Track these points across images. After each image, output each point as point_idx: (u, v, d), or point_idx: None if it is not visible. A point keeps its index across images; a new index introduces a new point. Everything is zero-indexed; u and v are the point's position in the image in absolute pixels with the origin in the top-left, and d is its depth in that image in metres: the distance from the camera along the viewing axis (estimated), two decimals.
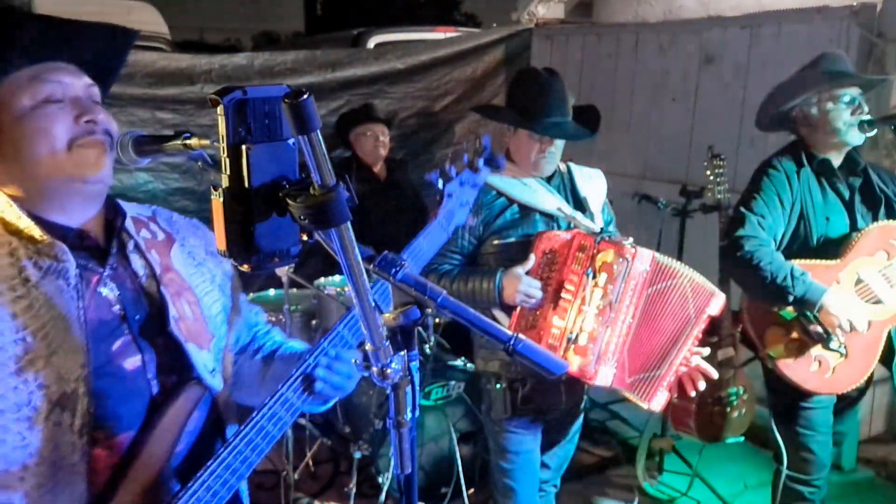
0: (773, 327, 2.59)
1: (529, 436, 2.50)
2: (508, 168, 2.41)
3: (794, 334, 2.57)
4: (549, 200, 2.41)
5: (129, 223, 1.35)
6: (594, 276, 2.21)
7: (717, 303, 2.32)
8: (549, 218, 2.41)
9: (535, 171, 2.44)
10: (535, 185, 2.43)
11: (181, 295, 1.36)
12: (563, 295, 2.23)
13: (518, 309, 2.29)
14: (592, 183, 2.55)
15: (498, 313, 2.36)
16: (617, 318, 2.22)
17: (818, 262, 2.57)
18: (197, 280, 1.42)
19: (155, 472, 1.25)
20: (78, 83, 1.25)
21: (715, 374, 2.33)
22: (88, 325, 1.21)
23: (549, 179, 2.48)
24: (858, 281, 2.59)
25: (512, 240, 2.36)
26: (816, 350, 2.56)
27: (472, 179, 1.92)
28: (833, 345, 2.52)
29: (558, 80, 2.48)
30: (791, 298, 2.49)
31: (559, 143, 2.44)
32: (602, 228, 2.43)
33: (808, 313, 2.51)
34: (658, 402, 2.30)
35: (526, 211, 2.40)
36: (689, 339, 2.29)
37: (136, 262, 1.33)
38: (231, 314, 1.50)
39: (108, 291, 1.28)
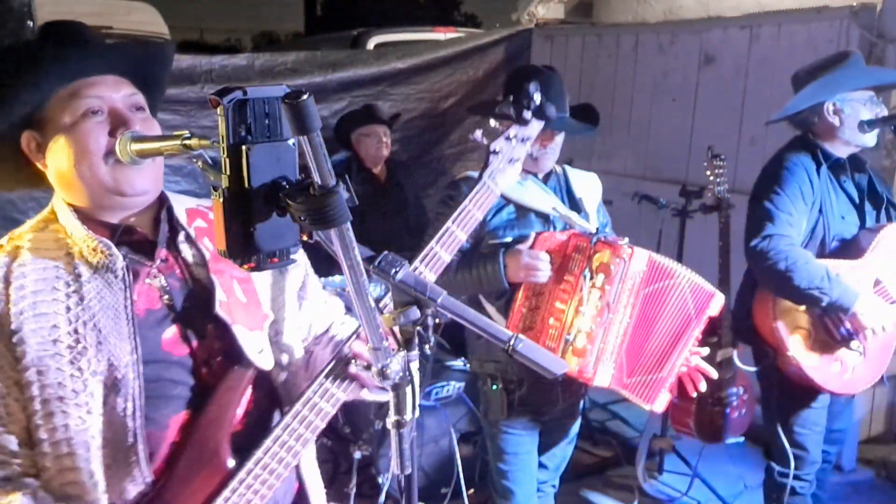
0: (798, 328, 2.56)
1: (527, 437, 2.50)
2: None
3: (819, 335, 2.56)
4: (544, 200, 2.41)
5: (180, 214, 1.39)
6: (591, 277, 2.20)
7: (716, 303, 2.32)
8: (545, 219, 2.41)
9: (534, 168, 2.44)
10: (531, 185, 2.43)
11: (234, 278, 1.39)
12: (560, 295, 2.23)
13: (516, 309, 2.28)
14: (588, 185, 2.55)
15: (494, 314, 2.36)
16: (614, 319, 2.22)
17: (840, 262, 2.54)
18: None
19: (210, 452, 1.29)
20: (117, 94, 1.28)
21: (715, 375, 2.33)
22: (137, 315, 1.28)
23: (545, 180, 2.48)
24: (877, 282, 2.58)
25: (508, 239, 2.35)
26: (838, 351, 2.56)
27: (521, 133, 1.79)
28: (853, 345, 2.53)
29: (556, 75, 2.48)
30: (825, 301, 2.44)
31: (558, 139, 2.44)
32: (598, 229, 2.43)
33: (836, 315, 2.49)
34: (660, 403, 2.30)
35: (522, 211, 2.40)
36: (690, 340, 2.29)
37: (187, 252, 1.38)
38: (297, 298, 1.52)
39: (157, 283, 1.33)
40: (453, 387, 3.29)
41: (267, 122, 0.93)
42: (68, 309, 1.24)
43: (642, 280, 2.25)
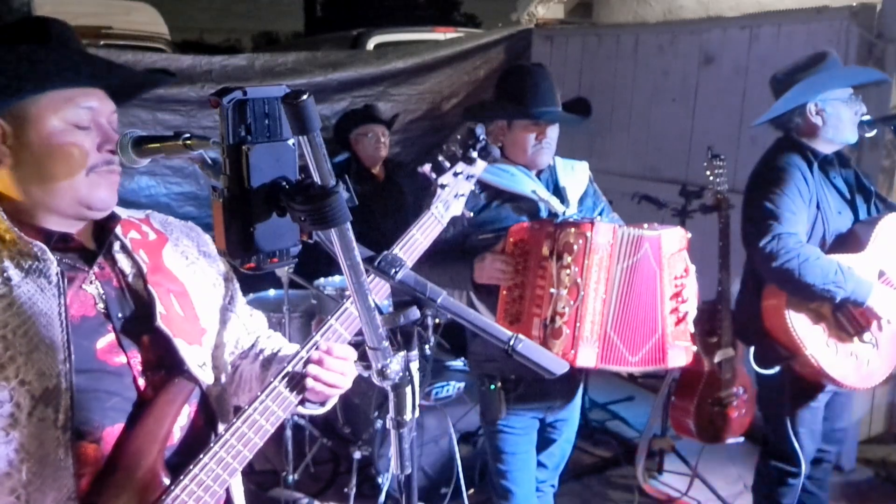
0: (811, 326, 2.55)
1: (525, 436, 2.50)
2: (496, 161, 2.45)
3: (832, 330, 2.55)
4: (526, 184, 2.42)
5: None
6: (559, 258, 2.20)
7: (668, 241, 2.28)
8: (533, 211, 2.41)
9: (532, 165, 2.45)
10: (514, 171, 2.44)
11: (171, 292, 1.38)
12: (538, 282, 2.24)
13: (500, 302, 2.30)
14: (574, 174, 2.55)
15: (483, 310, 2.37)
16: (587, 296, 2.20)
17: (846, 256, 2.54)
18: (189, 278, 1.44)
19: (145, 467, 1.25)
20: (105, 109, 1.29)
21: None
22: (70, 322, 1.23)
23: (538, 175, 2.49)
24: (881, 273, 2.58)
25: (499, 233, 2.36)
26: (852, 345, 2.56)
27: (466, 170, 1.91)
28: (867, 338, 2.53)
29: (546, 71, 2.51)
30: (840, 295, 2.44)
31: (553, 134, 2.45)
32: (564, 213, 2.41)
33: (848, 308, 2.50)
34: (677, 358, 2.30)
35: (511, 202, 2.41)
36: (664, 288, 2.27)
37: (123, 262, 1.35)
38: (225, 313, 1.51)
39: (93, 290, 1.30)
40: (453, 387, 3.29)
41: (267, 122, 0.93)
42: None
43: (612, 254, 2.23)
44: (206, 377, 1.37)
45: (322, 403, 1.44)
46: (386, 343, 1.12)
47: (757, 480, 2.95)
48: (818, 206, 2.59)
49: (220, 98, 0.91)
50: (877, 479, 3.74)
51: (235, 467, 1.29)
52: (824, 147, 2.65)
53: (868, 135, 2.70)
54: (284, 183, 0.93)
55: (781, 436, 2.72)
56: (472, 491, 3.26)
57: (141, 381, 1.30)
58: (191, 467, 1.27)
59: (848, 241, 2.60)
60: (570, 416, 2.61)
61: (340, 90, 4.56)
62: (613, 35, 4.97)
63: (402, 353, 1.15)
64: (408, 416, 1.16)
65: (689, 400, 3.14)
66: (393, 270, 1.19)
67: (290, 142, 0.95)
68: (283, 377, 1.35)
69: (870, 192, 2.71)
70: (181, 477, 1.26)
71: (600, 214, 2.53)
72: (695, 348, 2.38)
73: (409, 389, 1.16)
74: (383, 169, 4.13)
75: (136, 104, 3.92)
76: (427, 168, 2.11)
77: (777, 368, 2.68)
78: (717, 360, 3.10)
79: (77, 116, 1.24)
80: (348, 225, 0.93)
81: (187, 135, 1.06)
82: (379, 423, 3.15)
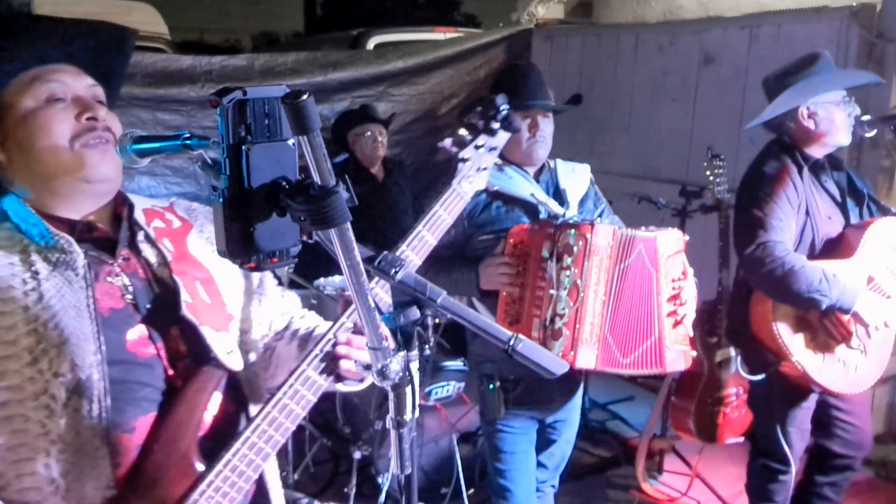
0: (797, 332, 2.55)
1: (524, 436, 2.50)
2: (500, 162, 2.44)
3: (819, 337, 2.55)
4: (524, 187, 2.42)
5: (138, 214, 1.37)
6: (559, 260, 2.20)
7: (663, 244, 2.27)
8: (532, 213, 2.41)
9: (529, 161, 2.46)
10: (512, 173, 2.44)
11: (197, 279, 1.37)
12: (538, 283, 2.24)
13: (500, 303, 2.29)
14: (575, 176, 2.55)
15: (483, 311, 2.37)
16: (587, 298, 2.19)
17: (833, 262, 2.54)
18: (215, 264, 1.43)
19: (179, 455, 1.26)
20: (80, 83, 1.28)
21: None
22: (100, 315, 1.24)
23: (536, 176, 2.49)
24: (870, 279, 2.58)
25: (498, 234, 2.36)
26: (840, 350, 2.56)
27: (489, 142, 1.84)
28: (854, 344, 2.52)
29: (537, 69, 2.53)
30: (826, 303, 2.43)
31: (547, 128, 2.45)
32: (563, 214, 2.40)
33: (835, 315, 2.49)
34: (675, 362, 2.28)
35: (510, 206, 2.41)
36: (660, 290, 2.26)
37: (147, 252, 1.35)
38: (255, 295, 1.51)
39: (118, 281, 1.30)
40: (453, 387, 3.28)
41: (267, 122, 0.93)
42: (26, 308, 1.20)
43: (612, 255, 2.22)
44: (235, 364, 1.36)
45: (361, 380, 1.43)
46: (386, 343, 1.12)
47: (749, 478, 2.95)
48: (807, 212, 2.59)
49: (220, 98, 0.91)
50: (877, 479, 3.74)
51: (268, 452, 1.30)
52: (817, 151, 2.64)
53: (868, 135, 2.70)
54: (284, 183, 0.93)
55: (770, 435, 2.74)
56: (472, 491, 3.26)
57: (171, 371, 1.30)
58: (224, 453, 1.27)
59: (838, 247, 2.60)
60: (569, 417, 2.61)
61: (340, 90, 4.56)
62: (613, 35, 4.97)
63: (402, 353, 1.15)
64: (408, 416, 1.16)
65: (689, 400, 3.14)
66: (393, 270, 1.19)
67: (290, 142, 0.94)
68: (312, 360, 1.35)
69: (862, 195, 2.70)
70: (215, 463, 1.27)
71: (600, 216, 2.52)
72: (694, 353, 2.36)
73: (408, 389, 1.16)
74: (382, 169, 4.13)
75: (136, 104, 3.93)
76: (448, 142, 2.09)
77: (762, 376, 2.69)
78: (717, 360, 3.10)
79: (48, 90, 1.23)
80: (348, 225, 0.92)
81: (187, 134, 1.06)
82: (379, 423, 3.15)
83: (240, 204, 0.92)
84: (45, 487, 1.18)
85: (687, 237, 2.38)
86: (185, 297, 1.32)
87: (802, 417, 2.72)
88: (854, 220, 2.66)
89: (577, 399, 2.61)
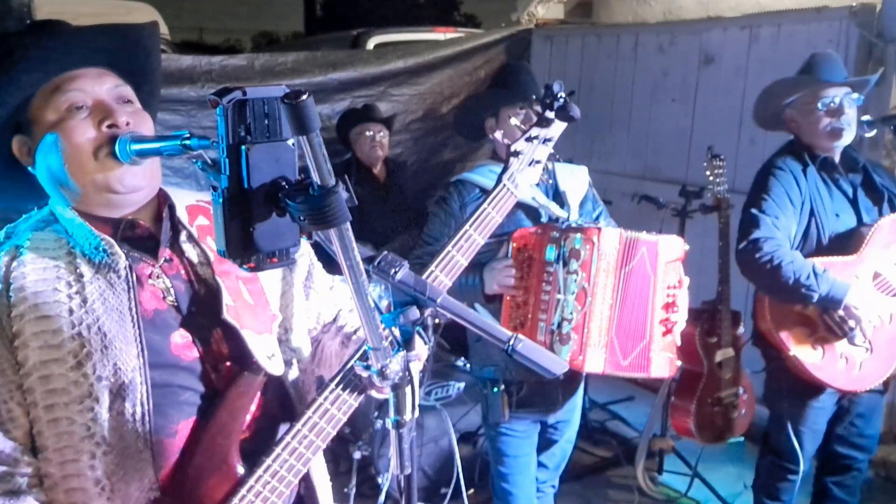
0: (797, 327, 2.57)
1: (526, 438, 2.51)
2: (490, 163, 2.46)
3: (818, 332, 2.56)
4: (525, 190, 2.41)
5: (181, 212, 1.35)
6: (565, 264, 2.19)
7: (663, 248, 2.27)
8: (534, 216, 2.40)
9: None
10: None
11: (240, 279, 1.36)
12: (543, 287, 2.23)
13: (504, 307, 2.29)
14: (574, 178, 2.55)
15: (485, 315, 2.36)
16: (595, 301, 2.19)
17: (835, 258, 2.55)
18: None
19: (219, 458, 1.27)
20: (101, 87, 1.25)
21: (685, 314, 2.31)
22: (143, 317, 1.24)
23: None
24: (877, 275, 2.58)
25: (500, 238, 2.34)
26: (842, 346, 2.56)
27: (543, 134, 1.74)
28: (858, 340, 2.52)
29: (524, 64, 2.55)
30: (815, 297, 2.46)
31: None
32: (567, 218, 2.40)
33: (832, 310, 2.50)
34: (660, 368, 2.28)
35: (512, 208, 2.40)
36: (656, 294, 2.26)
37: (190, 252, 1.34)
38: (304, 289, 1.49)
39: (161, 283, 1.29)
40: (453, 387, 3.28)
41: (266, 122, 0.93)
42: (71, 311, 1.20)
43: (618, 259, 2.23)
44: (276, 368, 1.34)
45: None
46: (386, 343, 1.12)
47: (757, 475, 2.95)
48: (812, 210, 2.60)
49: (220, 98, 0.91)
50: (877, 479, 3.74)
51: (310, 457, 1.31)
52: (822, 149, 2.65)
53: (868, 135, 2.70)
54: (284, 183, 0.93)
55: (781, 433, 2.74)
56: (471, 491, 3.26)
57: (212, 375, 1.30)
58: (265, 458, 1.28)
59: (847, 243, 2.60)
60: (570, 418, 2.61)
61: (341, 90, 4.56)
62: (613, 35, 4.97)
63: (402, 353, 1.15)
64: (408, 416, 1.16)
65: (689, 400, 3.14)
66: (392, 270, 1.19)
67: (290, 142, 0.94)
68: (353, 367, 1.33)
69: (882, 193, 2.69)
70: (256, 468, 1.27)
71: (597, 218, 2.53)
72: (679, 362, 2.36)
73: (408, 389, 1.16)
74: (384, 169, 4.13)
75: None
76: (499, 135, 2.02)
77: (761, 369, 2.73)
78: (717, 360, 3.10)
79: (68, 100, 1.21)
80: (348, 225, 0.92)
81: (187, 134, 1.06)
82: (379, 423, 3.14)
83: (239, 204, 0.92)
84: (92, 488, 1.20)
85: (688, 246, 2.37)
86: (226, 299, 1.31)
87: (815, 417, 2.71)
88: (869, 218, 2.65)
89: (578, 399, 2.61)
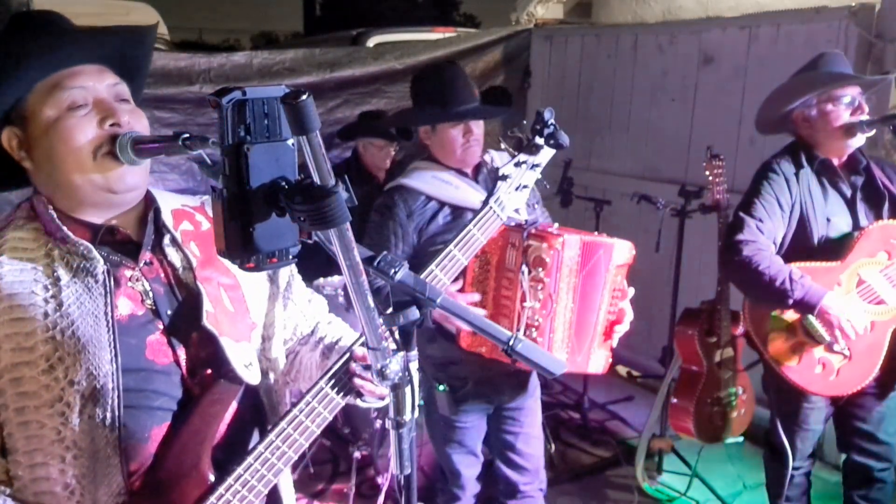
0: (776, 331, 2.58)
1: (473, 428, 2.55)
2: (432, 168, 2.42)
3: (797, 337, 2.56)
4: (470, 194, 2.38)
5: (166, 216, 1.34)
6: (530, 271, 2.16)
7: (617, 252, 2.22)
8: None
9: (464, 164, 2.43)
10: (457, 182, 2.40)
11: (222, 286, 1.35)
12: (503, 293, 2.19)
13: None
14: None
15: None
16: (558, 307, 2.17)
17: (819, 264, 2.55)
18: None
19: (191, 465, 1.26)
20: (100, 84, 1.24)
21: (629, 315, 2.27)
22: (118, 322, 1.23)
23: (474, 174, 2.46)
24: (860, 282, 2.58)
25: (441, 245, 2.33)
26: (820, 352, 2.56)
27: (531, 160, 1.78)
28: (836, 347, 2.51)
29: (458, 68, 2.50)
30: (790, 301, 2.47)
31: (479, 130, 2.42)
32: (527, 221, 2.30)
33: (809, 316, 2.50)
34: (596, 364, 2.23)
35: (458, 212, 2.37)
36: (605, 295, 2.22)
37: (173, 256, 1.33)
38: (282, 299, 1.49)
39: (140, 286, 1.28)
40: None
41: (266, 122, 0.93)
42: (46, 315, 1.19)
43: (579, 263, 2.20)
44: (252, 377, 1.34)
45: (382, 398, 1.40)
46: (385, 343, 1.12)
47: (765, 473, 2.97)
48: (802, 213, 2.60)
49: (220, 98, 0.90)
50: None
51: (280, 468, 1.30)
52: (827, 150, 2.64)
53: (868, 135, 2.69)
54: (284, 183, 0.92)
55: (772, 428, 2.77)
56: None
57: (188, 380, 1.29)
58: (235, 468, 1.27)
59: (838, 248, 2.59)
60: (525, 405, 2.58)
61: (337, 88, 4.56)
62: (613, 35, 4.97)
63: (402, 353, 1.15)
64: (407, 416, 1.16)
65: (689, 400, 3.14)
66: (392, 270, 1.18)
67: (290, 142, 0.94)
68: (330, 378, 1.34)
69: (882, 196, 2.67)
70: (226, 477, 1.27)
71: (536, 204, 2.50)
72: (610, 359, 2.30)
73: (408, 389, 1.16)
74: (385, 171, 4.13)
75: None
76: (488, 157, 2.01)
77: (745, 368, 2.81)
78: (716, 360, 3.10)
79: (69, 98, 1.20)
80: (347, 225, 0.92)
81: (186, 135, 1.06)
82: (378, 423, 3.15)
83: (239, 204, 0.92)
84: (60, 492, 1.19)
85: (634, 252, 2.29)
86: (206, 306, 1.30)
87: (807, 415, 2.70)
88: (867, 221, 2.63)
89: (532, 387, 2.60)
